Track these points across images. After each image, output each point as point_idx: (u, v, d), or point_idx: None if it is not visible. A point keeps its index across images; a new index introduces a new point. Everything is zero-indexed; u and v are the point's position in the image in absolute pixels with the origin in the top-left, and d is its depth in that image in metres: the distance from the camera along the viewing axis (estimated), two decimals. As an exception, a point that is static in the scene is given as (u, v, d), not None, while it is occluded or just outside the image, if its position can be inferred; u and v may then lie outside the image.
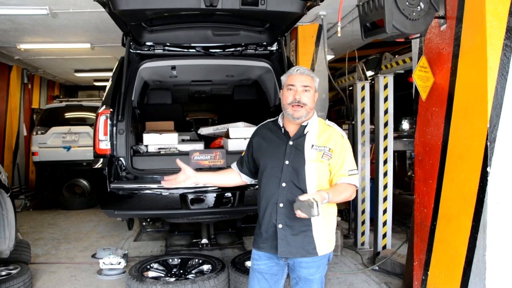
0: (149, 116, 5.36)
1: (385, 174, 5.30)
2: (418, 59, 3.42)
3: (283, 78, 2.64)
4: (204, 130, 5.18)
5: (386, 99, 5.23)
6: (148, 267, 4.38)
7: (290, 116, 2.53)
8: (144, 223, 6.06)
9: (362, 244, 5.78)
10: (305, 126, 2.57)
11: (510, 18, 2.70)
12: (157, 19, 4.17)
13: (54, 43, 8.05)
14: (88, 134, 8.75)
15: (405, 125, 7.63)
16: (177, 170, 4.19)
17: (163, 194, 4.09)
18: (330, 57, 7.93)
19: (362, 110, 5.63)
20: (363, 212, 5.73)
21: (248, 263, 4.35)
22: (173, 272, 4.37)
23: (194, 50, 4.75)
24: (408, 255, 4.16)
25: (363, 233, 5.77)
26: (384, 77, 5.25)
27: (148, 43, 4.61)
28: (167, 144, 4.56)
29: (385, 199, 5.32)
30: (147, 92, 5.94)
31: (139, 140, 4.73)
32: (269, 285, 2.62)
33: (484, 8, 2.69)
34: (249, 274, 2.70)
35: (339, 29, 3.19)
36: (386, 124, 5.25)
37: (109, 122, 4.14)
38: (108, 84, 4.58)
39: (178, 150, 4.54)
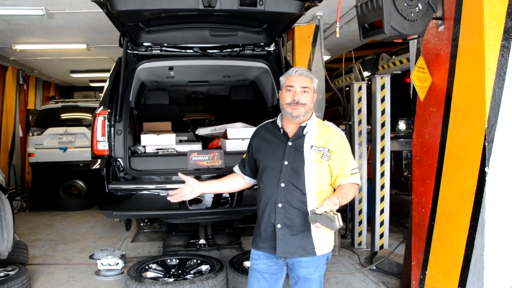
0: (147, 117, 5.36)
1: (382, 174, 5.32)
2: (416, 60, 3.43)
3: (282, 79, 2.65)
4: (202, 131, 5.18)
5: (383, 100, 5.24)
6: (147, 267, 4.37)
7: (289, 115, 2.55)
8: (142, 224, 6.07)
9: (359, 244, 5.79)
10: (304, 126, 2.58)
11: (507, 19, 2.72)
12: (155, 20, 4.17)
13: (50, 43, 8.03)
14: (84, 135, 8.72)
15: (402, 125, 7.65)
16: (175, 171, 4.23)
17: (162, 194, 4.09)
18: (326, 57, 7.96)
19: (359, 111, 5.64)
20: (360, 212, 5.74)
21: (246, 263, 4.36)
22: (171, 272, 4.37)
23: (191, 51, 4.75)
24: (405, 254, 4.17)
25: (360, 233, 5.78)
26: (381, 77, 5.26)
27: (146, 44, 4.61)
28: (165, 145, 4.56)
29: (382, 199, 5.33)
30: (144, 92, 5.94)
31: (137, 140, 4.73)
32: (269, 285, 2.63)
33: (482, 9, 2.71)
34: (248, 273, 2.71)
35: (337, 29, 3.20)
36: (383, 125, 5.26)
37: (107, 123, 4.14)
38: (105, 85, 4.58)
39: (176, 151, 4.54)
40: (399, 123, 7.67)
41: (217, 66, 5.13)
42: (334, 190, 2.63)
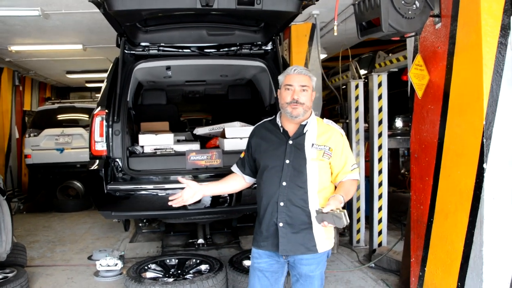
0: (144, 117, 5.35)
1: (380, 172, 5.33)
2: (413, 57, 3.45)
3: (280, 77, 2.65)
4: (200, 130, 5.18)
5: (380, 98, 5.26)
6: (146, 268, 4.37)
7: (289, 115, 2.55)
8: (140, 224, 6.06)
9: (358, 241, 5.81)
10: (305, 125, 2.59)
11: (504, 16, 2.74)
12: (152, 20, 4.16)
13: (46, 44, 7.98)
14: (81, 135, 8.70)
15: (399, 123, 7.67)
16: (174, 171, 4.23)
17: (160, 194, 4.08)
18: (323, 56, 7.96)
19: (356, 109, 5.65)
20: (358, 210, 5.76)
21: (246, 262, 4.36)
22: (171, 272, 4.37)
23: (189, 50, 4.75)
24: (404, 251, 4.19)
25: (358, 231, 5.80)
26: (378, 75, 5.28)
27: (143, 44, 4.60)
28: (163, 145, 4.55)
29: (380, 196, 5.35)
30: (141, 92, 5.93)
31: (135, 141, 4.72)
32: (270, 283, 2.63)
33: (479, 6, 2.73)
34: (249, 272, 2.71)
35: (335, 27, 3.20)
36: (380, 122, 5.28)
37: (105, 123, 4.13)
38: (103, 85, 4.56)
39: (174, 151, 4.53)
40: (396, 120, 7.69)
41: (214, 66, 5.13)
42: (335, 186, 2.65)
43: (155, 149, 4.52)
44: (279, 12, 3.75)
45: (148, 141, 4.54)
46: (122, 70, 4.42)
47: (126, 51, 4.61)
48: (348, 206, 6.04)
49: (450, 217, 3.09)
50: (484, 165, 2.76)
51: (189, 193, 2.64)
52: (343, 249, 5.61)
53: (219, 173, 4.01)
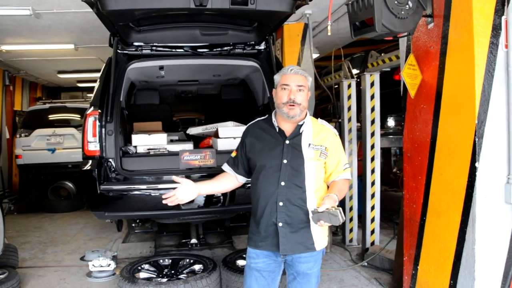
0: (137, 117, 5.32)
1: (373, 171, 5.36)
2: (406, 57, 3.47)
3: (276, 77, 2.65)
4: (193, 130, 5.16)
5: (372, 97, 5.28)
6: (139, 268, 4.35)
7: (285, 115, 2.55)
8: (133, 224, 6.03)
9: (350, 240, 5.83)
10: (301, 125, 2.59)
11: (496, 17, 2.77)
12: (145, 19, 4.14)
13: (37, 44, 7.91)
14: (73, 136, 8.65)
15: (391, 122, 7.71)
16: (167, 171, 4.22)
17: (154, 194, 4.07)
18: (315, 55, 7.98)
19: (349, 108, 5.68)
20: (350, 209, 5.79)
21: (239, 262, 4.36)
22: (164, 272, 4.35)
23: (182, 50, 4.74)
24: (397, 250, 4.21)
25: (351, 230, 5.83)
26: (371, 75, 5.31)
27: (136, 44, 4.58)
28: (156, 145, 4.53)
29: (372, 195, 5.38)
30: (134, 92, 5.90)
31: (128, 141, 4.70)
32: (267, 283, 2.63)
33: (471, 6, 2.76)
34: (245, 272, 2.70)
35: (329, 27, 3.22)
36: (372, 122, 5.31)
37: (97, 123, 4.10)
38: (96, 85, 4.54)
39: (168, 151, 4.52)
40: (388, 120, 7.73)
41: (207, 65, 5.12)
42: (327, 186, 2.66)
43: (148, 149, 4.50)
44: (273, 12, 3.75)
45: (141, 141, 4.52)
46: (115, 70, 4.39)
47: (119, 51, 4.58)
48: (341, 205, 6.03)
49: (443, 215, 3.11)
50: (476, 164, 2.79)
51: (185, 192, 2.59)
52: (336, 248, 5.64)
53: (213, 173, 3.98)
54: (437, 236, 3.19)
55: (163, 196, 2.60)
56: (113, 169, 4.12)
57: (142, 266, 4.41)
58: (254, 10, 3.58)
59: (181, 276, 4.25)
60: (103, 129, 4.13)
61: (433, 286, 3.24)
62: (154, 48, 4.65)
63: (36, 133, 8.71)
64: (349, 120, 5.68)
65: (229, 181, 2.81)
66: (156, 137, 4.57)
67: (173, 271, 4.36)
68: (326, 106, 9.87)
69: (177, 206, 4.02)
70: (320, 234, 2.59)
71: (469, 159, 2.84)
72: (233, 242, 5.79)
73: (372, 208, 5.37)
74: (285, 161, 2.53)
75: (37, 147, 8.65)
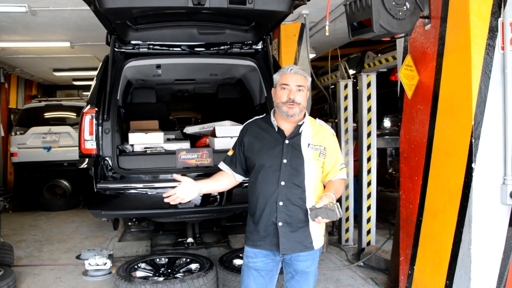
0: (133, 115, 5.32)
1: (369, 171, 5.38)
2: (403, 58, 3.49)
3: (276, 76, 2.65)
4: (190, 129, 5.17)
5: (369, 98, 5.30)
6: (136, 267, 4.35)
7: (285, 114, 2.55)
8: (129, 223, 6.02)
9: (346, 240, 5.85)
10: (301, 125, 2.60)
11: (492, 18, 2.79)
12: (142, 18, 4.13)
13: (33, 41, 7.89)
14: (68, 134, 8.63)
15: (387, 123, 7.72)
16: (164, 169, 4.21)
17: (150, 193, 4.07)
18: (312, 55, 8.00)
19: (345, 108, 5.69)
20: (347, 209, 5.80)
21: (236, 261, 4.37)
22: (161, 271, 4.35)
23: (179, 49, 4.73)
24: (393, 250, 4.23)
25: (347, 230, 5.84)
26: (367, 75, 5.32)
27: (133, 42, 4.57)
28: (153, 143, 4.53)
29: (369, 196, 5.39)
30: (130, 91, 5.89)
31: (125, 139, 4.69)
32: (265, 282, 2.64)
33: (468, 8, 2.77)
34: (243, 272, 2.70)
35: (327, 27, 3.22)
36: (369, 122, 5.32)
37: (94, 121, 4.09)
38: (92, 84, 4.53)
39: (165, 149, 4.51)
40: (384, 120, 7.74)
41: (204, 64, 5.12)
42: (324, 185, 2.68)
43: (145, 148, 4.50)
44: (271, 11, 3.75)
45: (138, 140, 4.52)
46: (112, 68, 4.38)
47: (116, 49, 4.57)
48: (337, 205, 6.06)
49: (439, 216, 3.13)
50: (473, 165, 2.81)
51: (186, 190, 2.55)
52: (332, 248, 5.65)
53: (210, 172, 3.98)
54: (434, 236, 3.20)
55: (164, 195, 2.56)
56: (109, 167, 4.10)
57: (139, 265, 4.40)
58: (252, 9, 3.59)
59: (177, 275, 4.25)
60: (100, 128, 4.11)
61: (429, 286, 3.26)
62: (151, 46, 4.64)
63: (31, 131, 8.68)
64: (346, 120, 5.70)
65: (227, 179, 2.80)
66: (153, 135, 4.57)
67: (169, 270, 4.36)
68: (323, 106, 9.88)
69: (174, 205, 4.04)
70: (318, 233, 2.60)
71: (465, 160, 2.86)
72: (230, 242, 5.79)
73: (368, 208, 5.39)
74: (285, 160, 2.53)
75: (32, 145, 8.62)
